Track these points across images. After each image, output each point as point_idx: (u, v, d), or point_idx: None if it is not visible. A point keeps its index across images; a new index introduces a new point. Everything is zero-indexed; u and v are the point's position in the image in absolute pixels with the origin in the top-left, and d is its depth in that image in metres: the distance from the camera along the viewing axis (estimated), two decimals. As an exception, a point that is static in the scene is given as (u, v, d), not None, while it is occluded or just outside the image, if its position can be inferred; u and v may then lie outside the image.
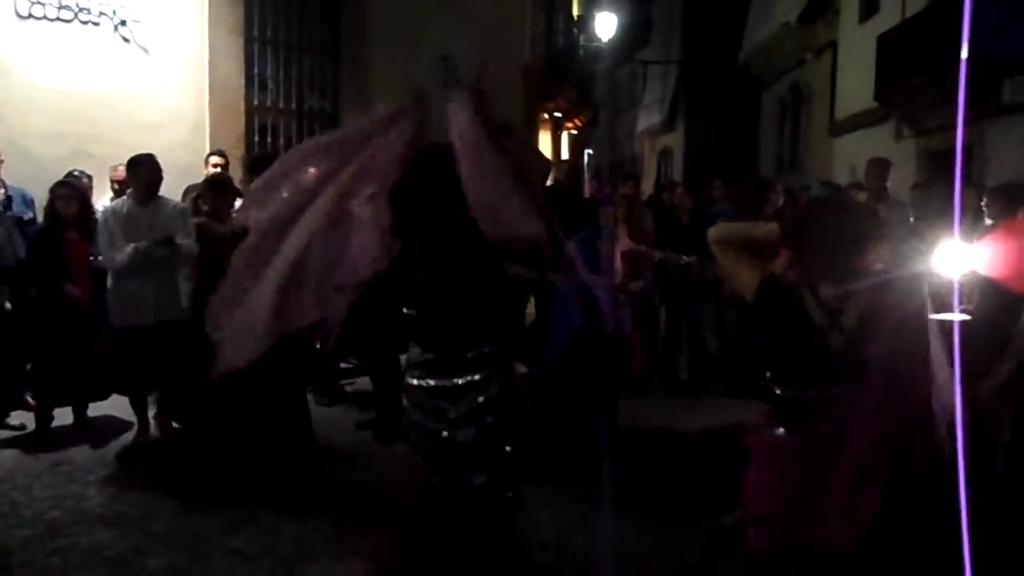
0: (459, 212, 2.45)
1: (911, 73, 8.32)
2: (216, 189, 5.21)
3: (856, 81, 10.08)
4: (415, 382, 2.70)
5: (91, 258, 5.38)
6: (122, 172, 5.79)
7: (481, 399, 2.64)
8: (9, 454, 4.91)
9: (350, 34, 9.06)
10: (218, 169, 6.31)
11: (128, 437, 5.25)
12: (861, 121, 10.20)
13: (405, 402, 2.74)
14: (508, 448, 2.67)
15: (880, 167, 6.49)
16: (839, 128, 11.01)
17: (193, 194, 5.74)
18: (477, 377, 2.63)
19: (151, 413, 5.31)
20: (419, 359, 2.70)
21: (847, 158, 10.30)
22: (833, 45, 11.40)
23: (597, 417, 3.06)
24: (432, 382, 2.67)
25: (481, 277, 2.68)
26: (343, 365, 6.65)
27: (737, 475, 2.59)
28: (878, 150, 9.11)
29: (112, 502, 4.28)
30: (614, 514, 2.85)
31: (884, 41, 8.96)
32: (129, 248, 4.97)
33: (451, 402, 2.65)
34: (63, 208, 5.28)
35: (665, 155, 18.23)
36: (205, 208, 5.19)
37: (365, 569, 3.08)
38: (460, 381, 2.63)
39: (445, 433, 2.65)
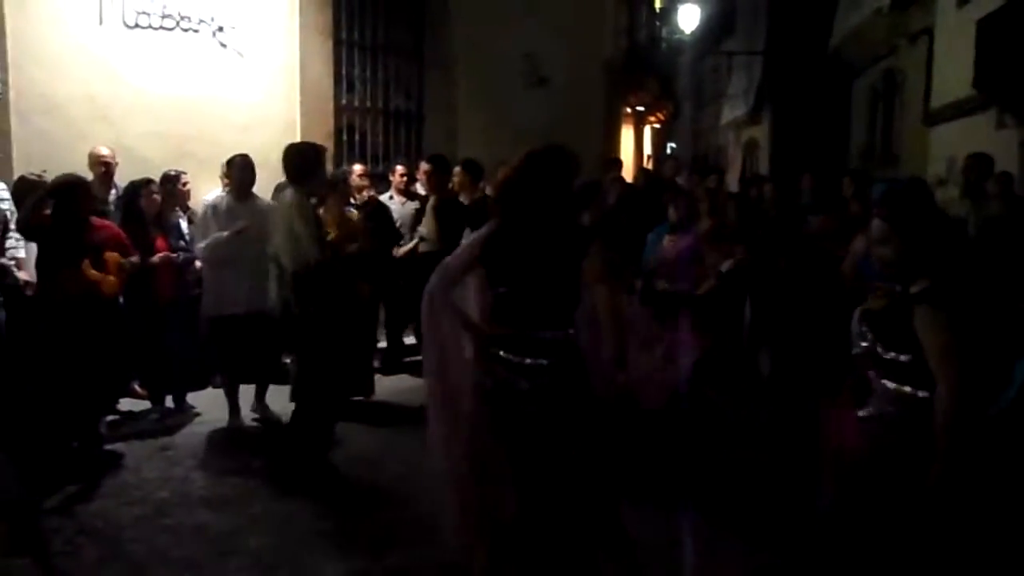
0: (553, 210, 2.84)
1: (1014, 58, 7.93)
2: (335, 188, 5.57)
3: (954, 68, 9.66)
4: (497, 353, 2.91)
5: (173, 253, 5.68)
6: (230, 173, 6.11)
7: (546, 379, 2.84)
8: (119, 438, 5.21)
9: (434, 36, 9.22)
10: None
11: (225, 424, 5.51)
12: (959, 110, 9.76)
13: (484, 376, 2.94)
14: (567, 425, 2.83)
15: (978, 162, 6.23)
16: (935, 117, 10.57)
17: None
18: (544, 362, 2.83)
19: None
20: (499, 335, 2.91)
21: (944, 149, 9.87)
22: (928, 31, 10.94)
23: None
24: (505, 354, 2.88)
25: (566, 264, 2.84)
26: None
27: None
28: (977, 140, 8.71)
29: (213, 485, 4.51)
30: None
31: (985, 25, 8.56)
32: (211, 239, 5.31)
33: (522, 375, 2.86)
34: (148, 205, 5.59)
35: (751, 148, 17.84)
36: (329, 204, 5.55)
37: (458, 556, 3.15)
38: (529, 361, 2.83)
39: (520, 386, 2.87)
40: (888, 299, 2.59)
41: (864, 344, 2.58)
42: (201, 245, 5.46)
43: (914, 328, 2.40)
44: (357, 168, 6.74)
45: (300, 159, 4.74)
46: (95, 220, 4.96)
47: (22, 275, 5.30)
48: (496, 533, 2.93)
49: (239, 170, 5.48)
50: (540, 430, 2.83)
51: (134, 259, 5.00)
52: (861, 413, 2.58)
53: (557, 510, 2.83)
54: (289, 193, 4.61)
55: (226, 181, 6.52)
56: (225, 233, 5.31)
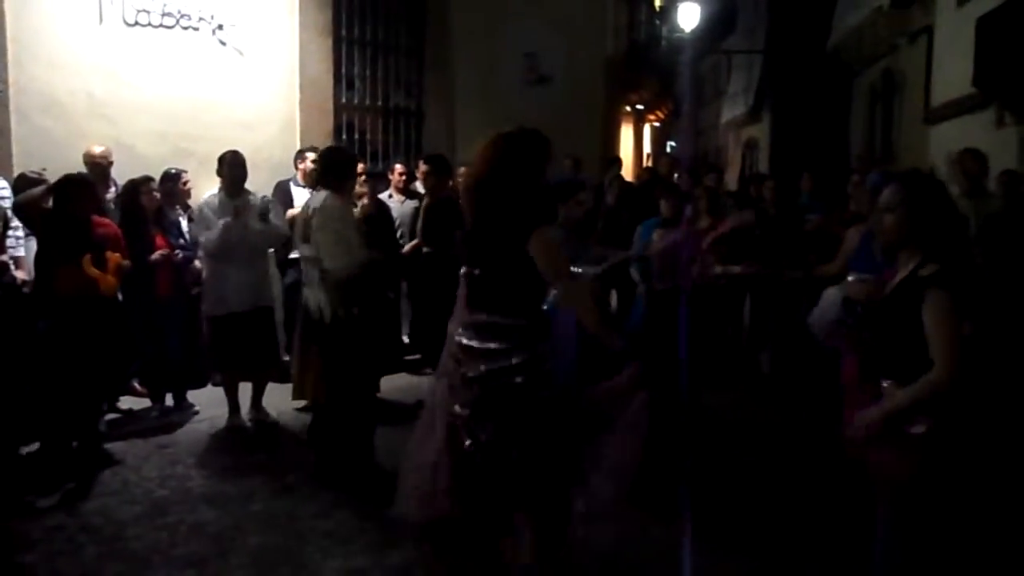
0: (527, 193, 2.81)
1: (1013, 57, 7.94)
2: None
3: (953, 66, 9.67)
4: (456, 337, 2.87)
5: (173, 251, 5.68)
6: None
7: (492, 367, 2.76)
8: (119, 436, 5.21)
9: (434, 34, 9.21)
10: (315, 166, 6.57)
11: (224, 421, 5.51)
12: (958, 108, 9.77)
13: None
14: (508, 416, 2.75)
15: (973, 159, 6.22)
16: (935, 116, 10.58)
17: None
18: (503, 345, 2.77)
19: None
20: (467, 319, 2.86)
21: (943, 147, 9.87)
22: (928, 29, 10.95)
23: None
24: (467, 341, 2.83)
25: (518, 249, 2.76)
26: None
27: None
28: (977, 138, 8.71)
29: (213, 482, 4.52)
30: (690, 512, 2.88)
31: (984, 23, 8.57)
32: (221, 222, 5.28)
33: (475, 360, 2.79)
34: (147, 202, 5.60)
35: (750, 146, 17.84)
36: None
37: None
38: (493, 346, 2.77)
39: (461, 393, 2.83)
40: (880, 288, 2.56)
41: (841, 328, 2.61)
42: (202, 239, 5.46)
43: (920, 313, 2.34)
44: (310, 155, 6.69)
45: (338, 163, 4.73)
46: (97, 218, 4.96)
47: (19, 274, 5.31)
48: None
49: (229, 167, 5.47)
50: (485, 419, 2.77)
51: (127, 262, 4.99)
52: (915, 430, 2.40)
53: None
54: (328, 197, 4.54)
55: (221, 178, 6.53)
56: (222, 220, 5.31)
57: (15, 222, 5.29)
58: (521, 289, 2.79)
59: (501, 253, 2.79)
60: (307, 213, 4.62)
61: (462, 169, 6.82)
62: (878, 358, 2.53)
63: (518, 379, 2.75)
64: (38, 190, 4.77)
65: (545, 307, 2.83)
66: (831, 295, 2.89)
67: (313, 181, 6.42)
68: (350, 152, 4.93)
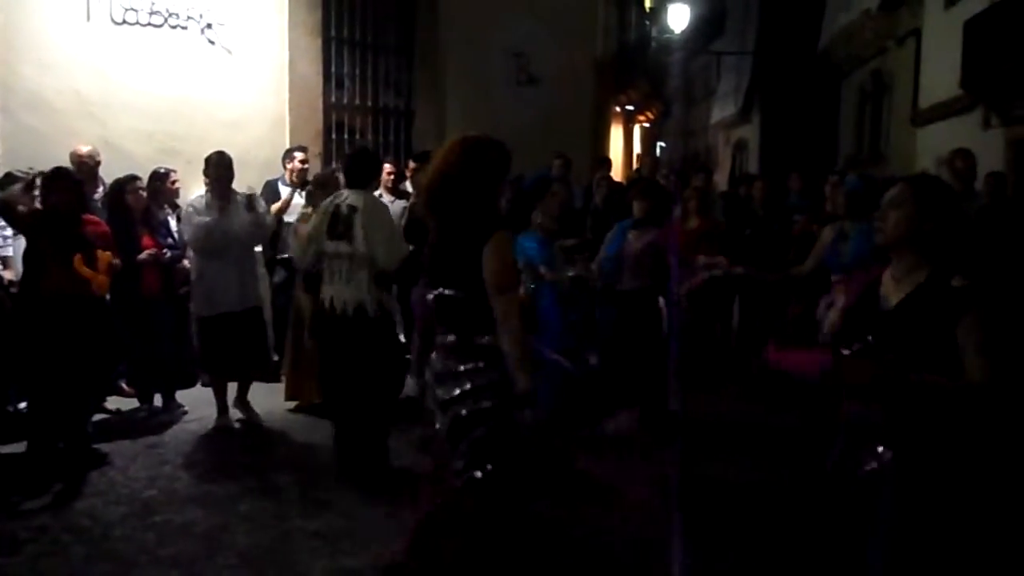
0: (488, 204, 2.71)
1: (1000, 59, 8.00)
2: (325, 186, 5.50)
3: (941, 69, 9.73)
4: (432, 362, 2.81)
5: (160, 251, 5.65)
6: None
7: (459, 391, 2.66)
8: (107, 437, 5.18)
9: (424, 33, 9.21)
10: (306, 165, 6.57)
11: (213, 422, 5.48)
12: (946, 110, 9.83)
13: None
14: (479, 434, 2.65)
15: (963, 159, 6.26)
16: (922, 118, 10.64)
17: (308, 188, 6.07)
18: (471, 366, 2.66)
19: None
20: (438, 340, 2.78)
21: (931, 149, 9.94)
22: (916, 32, 11.02)
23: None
24: (438, 366, 2.75)
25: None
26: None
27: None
28: (964, 140, 8.75)
29: (201, 483, 4.50)
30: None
31: (972, 26, 8.63)
32: (206, 217, 5.26)
33: (441, 386, 2.72)
34: (134, 201, 5.57)
35: (740, 147, 17.89)
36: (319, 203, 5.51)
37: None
38: (462, 368, 2.66)
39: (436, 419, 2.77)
40: (863, 286, 2.47)
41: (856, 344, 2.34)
42: (187, 236, 5.45)
43: (955, 327, 2.21)
44: (298, 155, 6.67)
45: (368, 163, 4.87)
46: (87, 216, 4.93)
47: (7, 274, 5.28)
48: None
49: (215, 168, 5.42)
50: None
51: (117, 261, 4.96)
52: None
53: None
54: (366, 195, 4.64)
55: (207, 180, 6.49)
56: (207, 219, 5.28)
57: (1, 222, 5.25)
58: (484, 304, 2.64)
59: (463, 270, 2.65)
60: (337, 211, 4.56)
61: (411, 164, 6.83)
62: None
63: (486, 403, 2.64)
64: (17, 187, 4.73)
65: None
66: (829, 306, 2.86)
67: (304, 182, 6.43)
68: (375, 153, 5.16)
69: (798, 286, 5.46)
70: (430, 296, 2.77)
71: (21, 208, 4.80)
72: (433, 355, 2.80)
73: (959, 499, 2.25)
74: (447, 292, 2.71)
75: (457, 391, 2.67)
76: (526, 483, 2.75)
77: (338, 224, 4.52)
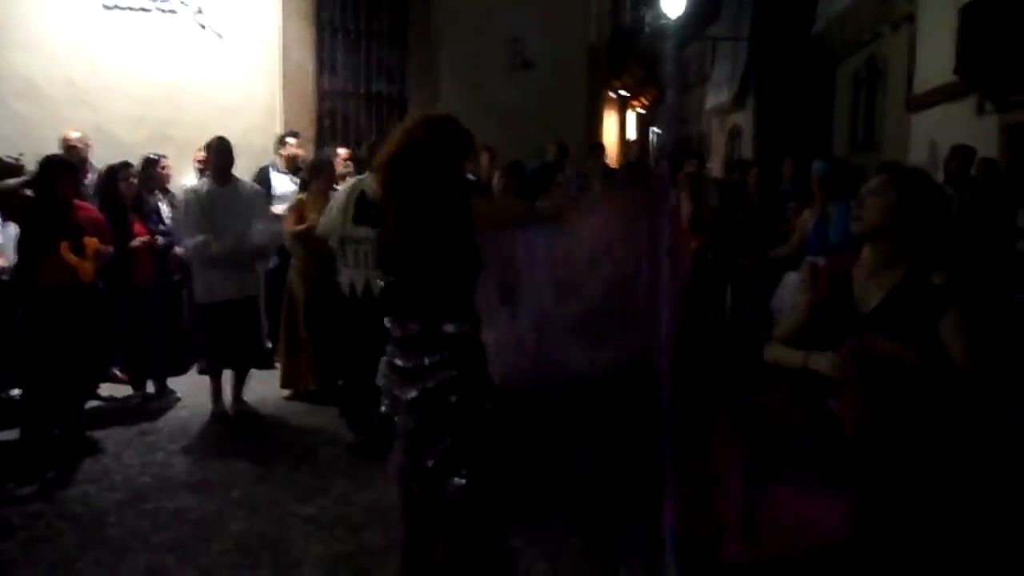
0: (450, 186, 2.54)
1: (995, 45, 7.99)
2: (320, 172, 5.52)
3: (936, 54, 9.72)
4: (388, 359, 2.65)
5: (153, 237, 5.63)
6: (203, 155, 6.01)
7: (424, 388, 2.52)
8: (100, 424, 5.18)
9: (417, 20, 9.16)
10: (300, 151, 6.54)
11: (207, 409, 5.48)
12: (940, 96, 9.83)
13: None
14: (451, 437, 2.53)
15: (962, 154, 6.29)
16: (917, 103, 10.64)
17: (301, 174, 6.09)
18: (436, 358, 2.51)
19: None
20: (396, 334, 2.62)
21: (925, 134, 9.95)
22: (911, 17, 11.00)
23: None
24: (399, 362, 2.59)
25: (451, 247, 2.53)
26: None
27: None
28: (958, 126, 8.77)
29: (195, 469, 4.51)
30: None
31: (967, 12, 8.62)
32: (200, 239, 5.17)
33: (408, 384, 2.56)
34: (126, 188, 5.53)
35: (735, 134, 17.87)
36: (313, 189, 5.56)
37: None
38: (427, 361, 2.51)
39: (398, 417, 2.62)
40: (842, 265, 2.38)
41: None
42: (189, 243, 5.33)
43: (928, 324, 2.18)
44: (342, 152, 6.68)
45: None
46: (79, 203, 4.90)
47: (-1, 261, 5.25)
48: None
49: (217, 153, 5.36)
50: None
51: (109, 248, 4.93)
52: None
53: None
54: None
55: (198, 166, 6.46)
56: (214, 245, 5.21)
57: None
58: (450, 291, 2.53)
59: (427, 252, 2.51)
60: (364, 196, 4.52)
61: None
62: None
63: (452, 398, 2.51)
64: (14, 181, 4.68)
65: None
66: (791, 280, 2.83)
67: (297, 168, 6.41)
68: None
69: (775, 269, 5.45)
70: (380, 283, 2.62)
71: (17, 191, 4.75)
72: (388, 350, 2.62)
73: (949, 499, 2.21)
74: (408, 278, 2.56)
75: (421, 389, 2.52)
76: (499, 478, 2.64)
77: (368, 209, 4.45)
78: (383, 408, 2.68)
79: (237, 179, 5.46)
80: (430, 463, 2.54)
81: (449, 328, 2.52)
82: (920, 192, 2.28)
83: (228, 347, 5.41)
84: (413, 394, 2.53)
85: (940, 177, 6.66)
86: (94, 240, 4.78)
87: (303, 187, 5.79)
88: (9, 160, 5.33)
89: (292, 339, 5.78)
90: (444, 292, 2.52)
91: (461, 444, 2.52)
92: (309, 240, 5.23)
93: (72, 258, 4.66)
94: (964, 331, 2.18)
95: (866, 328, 2.23)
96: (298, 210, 5.57)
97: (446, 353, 2.51)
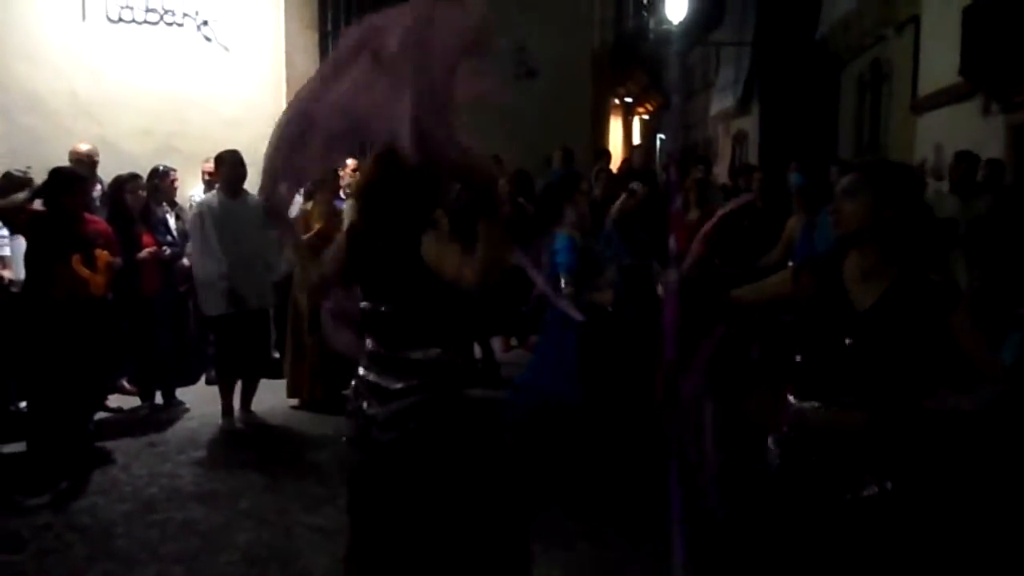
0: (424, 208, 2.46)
1: (999, 45, 7.98)
2: (325, 182, 5.55)
3: (940, 56, 9.70)
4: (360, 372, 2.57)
5: (160, 249, 5.64)
6: (211, 166, 6.01)
7: (392, 410, 2.45)
8: (109, 435, 5.19)
9: (420, 27, 9.18)
10: None
11: (215, 419, 5.48)
12: (946, 97, 9.81)
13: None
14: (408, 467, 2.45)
15: (966, 160, 6.27)
16: (922, 105, 10.61)
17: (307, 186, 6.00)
18: (403, 385, 2.43)
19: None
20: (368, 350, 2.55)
21: (931, 136, 9.93)
22: (916, 19, 10.98)
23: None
24: (370, 377, 2.51)
25: (422, 272, 2.41)
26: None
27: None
28: (964, 127, 8.75)
29: (203, 480, 4.51)
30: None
31: (971, 13, 8.61)
32: (214, 268, 5.19)
33: (381, 404, 2.47)
34: (133, 200, 5.55)
35: (740, 139, 17.85)
36: (318, 199, 5.61)
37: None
38: (399, 385, 2.44)
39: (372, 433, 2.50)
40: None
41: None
42: (199, 262, 5.33)
43: (938, 324, 2.13)
44: (350, 162, 6.66)
45: None
46: (88, 216, 4.93)
47: (6, 273, 5.27)
48: None
49: (229, 167, 5.35)
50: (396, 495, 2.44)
51: (118, 260, 4.95)
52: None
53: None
54: None
55: (206, 177, 6.48)
56: (216, 273, 5.20)
57: None
58: (419, 317, 2.44)
59: (396, 280, 2.43)
60: None
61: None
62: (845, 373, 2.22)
63: (412, 424, 2.42)
64: (22, 196, 4.68)
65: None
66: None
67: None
68: None
69: (763, 278, 5.41)
70: (363, 306, 2.52)
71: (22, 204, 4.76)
72: (362, 366, 2.55)
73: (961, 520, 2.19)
74: (383, 308, 2.47)
75: (391, 410, 2.45)
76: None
77: None
78: (347, 411, 2.62)
79: (248, 193, 5.46)
80: (387, 438, 2.45)
81: (416, 354, 2.45)
82: (897, 186, 2.20)
83: (239, 358, 5.40)
84: (389, 413, 2.45)
85: (947, 184, 6.65)
86: (105, 253, 4.80)
87: (308, 198, 5.80)
88: (18, 173, 5.35)
89: (297, 348, 5.78)
90: (411, 319, 2.45)
91: (414, 481, 2.42)
92: (315, 248, 5.23)
93: (84, 271, 4.68)
94: (981, 335, 2.13)
95: (864, 327, 2.18)
96: (304, 220, 5.58)
97: (414, 380, 2.44)
